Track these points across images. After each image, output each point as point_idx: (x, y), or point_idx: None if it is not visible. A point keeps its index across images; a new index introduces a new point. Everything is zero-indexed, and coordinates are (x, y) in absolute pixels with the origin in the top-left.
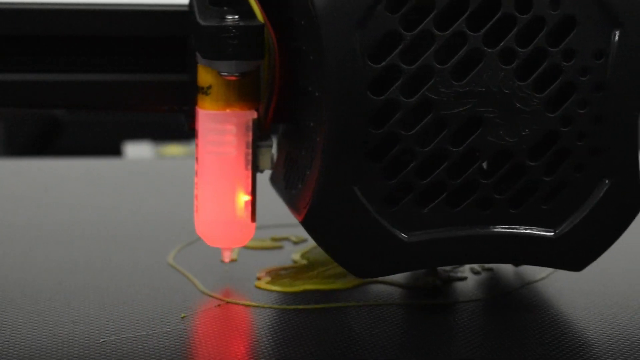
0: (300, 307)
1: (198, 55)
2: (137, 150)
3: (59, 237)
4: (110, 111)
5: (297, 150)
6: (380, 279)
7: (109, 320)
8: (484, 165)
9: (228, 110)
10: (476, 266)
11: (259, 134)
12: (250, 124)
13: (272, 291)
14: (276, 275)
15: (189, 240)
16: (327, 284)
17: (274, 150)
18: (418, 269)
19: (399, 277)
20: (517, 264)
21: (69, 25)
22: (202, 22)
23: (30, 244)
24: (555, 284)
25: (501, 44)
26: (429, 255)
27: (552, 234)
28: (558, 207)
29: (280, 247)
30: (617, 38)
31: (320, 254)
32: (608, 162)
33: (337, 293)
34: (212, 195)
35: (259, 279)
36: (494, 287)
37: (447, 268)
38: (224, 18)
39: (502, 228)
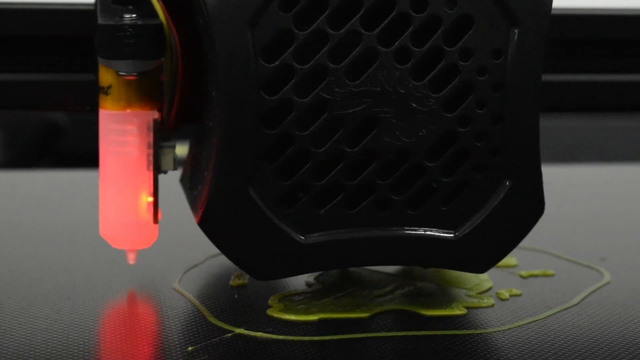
0: (317, 338)
1: (97, 54)
2: None
3: (57, 260)
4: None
5: (200, 151)
6: (401, 306)
7: (109, 355)
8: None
9: (128, 110)
10: (504, 292)
11: (161, 135)
12: (152, 124)
13: (286, 320)
14: (289, 301)
15: (195, 262)
16: (344, 313)
17: (178, 151)
18: (316, 271)
19: (421, 304)
20: (419, 265)
21: (69, 25)
22: (100, 21)
23: (27, 266)
24: (588, 310)
25: (396, 43)
26: (327, 257)
27: (453, 235)
28: (458, 208)
29: None
30: (515, 37)
31: (334, 276)
32: (509, 163)
33: (355, 322)
34: (114, 196)
35: (270, 305)
36: (522, 314)
37: (472, 294)
38: (122, 17)
39: (402, 230)
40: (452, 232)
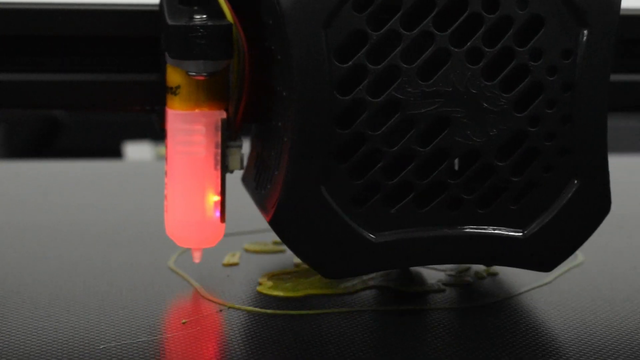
0: (303, 312)
1: (166, 55)
2: (137, 151)
3: (58, 241)
4: (104, 111)
5: (267, 151)
6: (383, 284)
7: (109, 326)
8: (456, 164)
9: (197, 110)
10: (481, 271)
11: (229, 134)
12: (219, 124)
13: (274, 296)
14: (278, 279)
15: None
16: (330, 289)
17: (244, 150)
18: (386, 270)
19: (402, 282)
20: (486, 264)
21: (69, 25)
22: (170, 22)
23: (29, 247)
24: (560, 287)
25: (468, 44)
26: (397, 255)
27: (521, 234)
28: (527, 207)
29: (282, 251)
30: (585, 38)
31: None
32: (577, 163)
33: (340, 298)
34: (181, 196)
35: (260, 283)
36: (498, 292)
37: (452, 273)
38: (192, 18)
39: (471, 228)
40: (521, 231)
